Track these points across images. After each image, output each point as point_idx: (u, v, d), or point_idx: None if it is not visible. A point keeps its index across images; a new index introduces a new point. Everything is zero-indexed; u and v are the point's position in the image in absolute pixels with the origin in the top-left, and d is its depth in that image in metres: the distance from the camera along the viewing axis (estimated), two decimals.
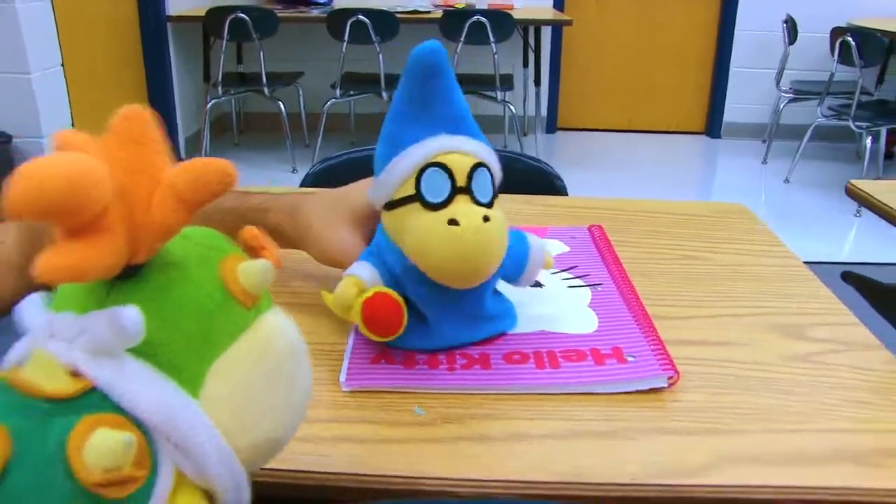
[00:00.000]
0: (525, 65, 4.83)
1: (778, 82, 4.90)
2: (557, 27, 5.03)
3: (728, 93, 5.34)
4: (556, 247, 0.86)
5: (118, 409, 0.29)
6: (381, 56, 4.03)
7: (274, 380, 0.33)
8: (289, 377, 0.34)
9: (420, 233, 0.57)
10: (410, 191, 0.58)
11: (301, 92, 4.39)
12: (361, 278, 0.61)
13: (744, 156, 5.02)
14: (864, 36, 4.06)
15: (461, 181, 0.58)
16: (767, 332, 0.69)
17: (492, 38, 4.11)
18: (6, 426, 0.27)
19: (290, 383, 0.34)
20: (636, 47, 5.30)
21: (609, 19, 5.21)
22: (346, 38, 4.01)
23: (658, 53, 5.33)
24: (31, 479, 0.27)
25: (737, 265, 0.83)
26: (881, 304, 1.10)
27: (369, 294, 0.59)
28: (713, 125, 5.41)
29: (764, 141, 5.06)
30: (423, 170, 0.58)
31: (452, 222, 0.55)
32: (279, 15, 4.10)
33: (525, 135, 5.00)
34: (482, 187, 0.59)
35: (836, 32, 4.28)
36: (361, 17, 3.99)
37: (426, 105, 0.61)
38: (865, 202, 1.08)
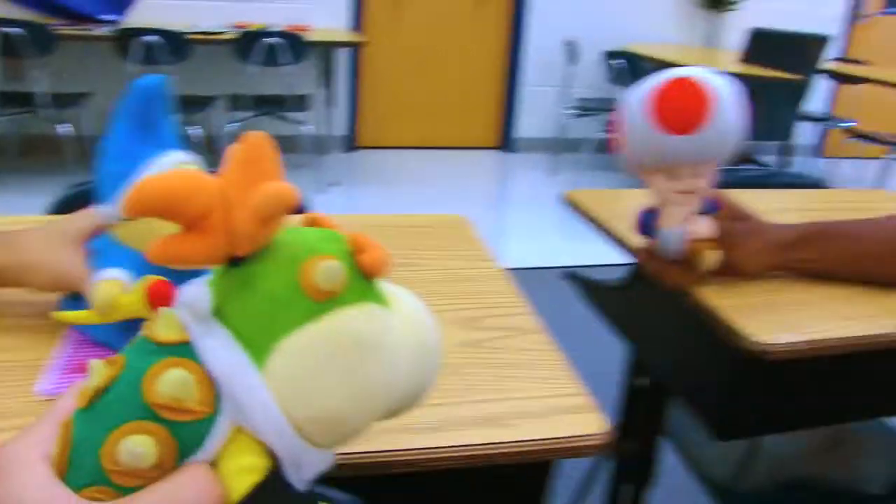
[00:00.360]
0: (322, 85, 4.91)
1: (563, 99, 5.23)
2: (354, 48, 5.15)
3: (519, 110, 5.64)
4: None
5: (200, 361, 0.37)
6: (173, 78, 4.00)
7: (329, 367, 0.39)
8: (348, 368, 0.39)
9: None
10: None
11: (89, 115, 4.27)
12: (118, 279, 0.67)
13: (535, 169, 5.32)
14: (631, 59, 4.43)
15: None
16: (451, 325, 0.80)
17: (286, 60, 4.16)
18: (125, 356, 0.38)
19: (351, 374, 0.39)
20: (431, 68, 5.50)
21: (404, 41, 5.38)
22: (135, 58, 3.95)
23: (452, 73, 5.56)
24: (123, 390, 0.37)
25: (444, 269, 0.95)
26: (591, 297, 1.27)
27: (146, 282, 0.64)
28: (507, 140, 5.69)
29: (553, 154, 5.39)
30: None
31: None
32: (60, 32, 3.94)
33: (324, 154, 5.08)
34: None
35: (609, 55, 4.64)
36: (152, 37, 3.94)
37: (152, 128, 0.68)
38: (581, 211, 1.23)
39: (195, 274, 0.68)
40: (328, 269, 0.39)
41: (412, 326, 0.44)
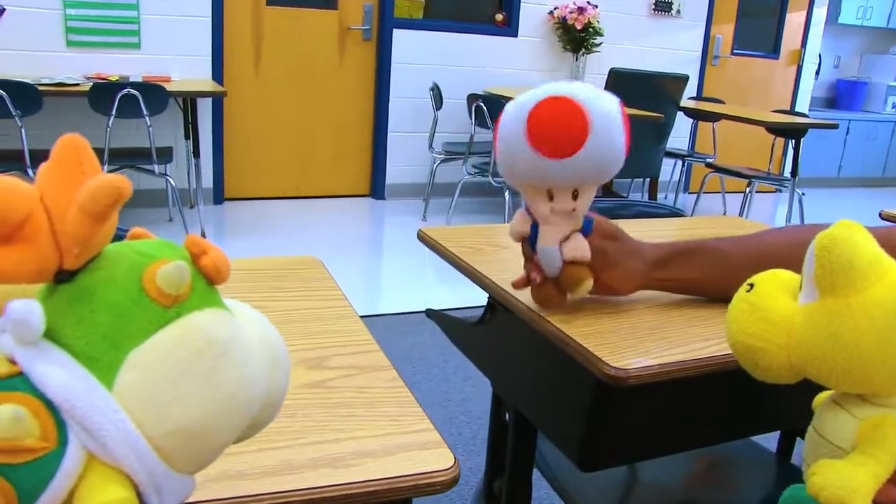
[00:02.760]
0: (186, 136, 4.80)
1: (430, 144, 5.28)
2: (218, 98, 5.06)
3: (388, 156, 5.66)
4: None
5: (36, 390, 0.33)
6: (23, 131, 3.82)
7: (186, 372, 0.36)
8: (206, 371, 0.36)
9: None
10: None
11: None
12: None
13: (406, 213, 5.34)
14: (492, 101, 4.52)
15: None
16: (296, 365, 0.77)
17: (145, 112, 4.04)
18: None
19: (208, 377, 0.37)
20: (298, 116, 5.47)
21: (268, 91, 5.33)
22: None
23: (319, 122, 5.54)
24: None
25: (291, 310, 0.91)
26: (453, 334, 1.25)
27: None
28: (377, 187, 5.70)
29: (424, 199, 5.42)
30: None
31: None
32: None
33: (191, 207, 4.95)
34: None
35: (471, 98, 4.72)
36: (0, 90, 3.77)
37: None
38: (434, 248, 1.22)
39: None
40: (173, 271, 0.37)
41: (260, 332, 0.44)
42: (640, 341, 0.88)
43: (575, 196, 0.85)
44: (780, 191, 6.54)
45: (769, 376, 0.62)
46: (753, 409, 1.04)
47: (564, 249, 0.87)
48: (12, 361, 0.34)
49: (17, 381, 0.34)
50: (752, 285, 0.62)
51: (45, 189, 0.35)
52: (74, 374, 0.34)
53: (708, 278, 0.95)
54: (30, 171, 3.88)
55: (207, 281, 0.40)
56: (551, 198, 0.85)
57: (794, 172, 5.32)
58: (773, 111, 6.06)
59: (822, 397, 0.61)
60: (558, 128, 0.79)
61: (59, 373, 0.34)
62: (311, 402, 0.70)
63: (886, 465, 0.53)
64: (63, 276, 0.36)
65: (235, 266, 1.00)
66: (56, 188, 0.35)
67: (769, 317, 0.59)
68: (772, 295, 0.60)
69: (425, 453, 0.63)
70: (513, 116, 0.81)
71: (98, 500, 0.34)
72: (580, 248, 0.87)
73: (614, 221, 0.95)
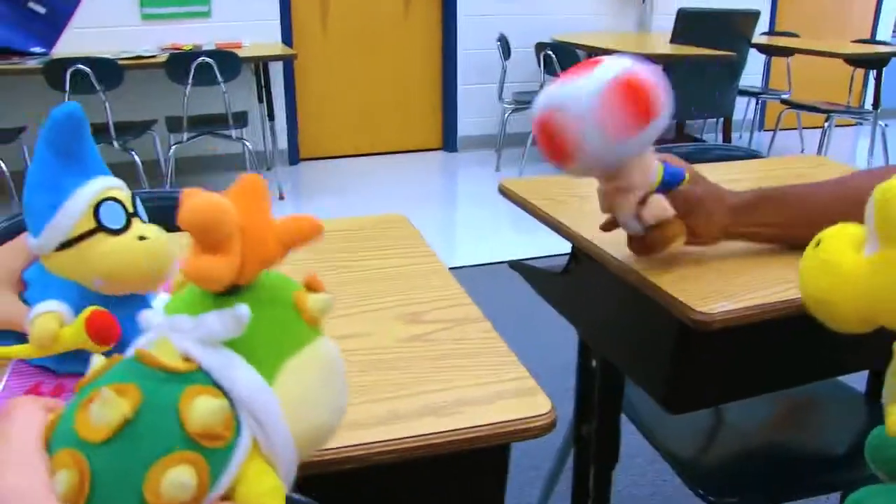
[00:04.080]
0: (259, 100, 4.89)
1: (500, 95, 5.26)
2: (288, 61, 5.13)
3: (459, 108, 5.66)
4: None
5: (216, 385, 0.38)
6: (107, 104, 3.94)
7: (326, 383, 0.43)
8: (336, 384, 0.44)
9: (117, 255, 0.65)
10: (89, 225, 0.66)
11: (25, 148, 4.20)
12: (55, 311, 0.66)
13: (479, 165, 5.35)
14: (561, 49, 4.47)
15: (130, 207, 0.68)
16: (392, 321, 0.81)
17: (220, 78, 4.13)
18: (135, 384, 0.37)
19: (337, 389, 0.44)
20: (367, 74, 5.50)
21: (337, 50, 5.37)
22: (67, 88, 3.89)
23: (388, 78, 5.57)
24: (155, 420, 0.37)
25: (385, 268, 0.95)
26: (538, 285, 1.28)
27: (86, 314, 0.64)
28: (448, 140, 5.72)
29: (496, 150, 5.42)
30: (97, 206, 0.66)
31: (142, 238, 0.66)
32: None
33: (268, 169, 5.05)
34: (142, 212, 0.69)
35: (539, 47, 4.67)
36: (82, 66, 3.88)
37: (74, 155, 0.68)
38: (516, 200, 1.25)
39: (131, 303, 0.69)
40: (321, 300, 0.43)
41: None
42: (723, 286, 0.89)
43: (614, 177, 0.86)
44: (861, 124, 6.33)
45: (843, 327, 0.63)
46: (839, 350, 1.05)
47: (645, 215, 0.88)
48: (186, 358, 0.40)
49: (201, 377, 0.39)
50: (819, 241, 0.64)
51: (243, 214, 0.41)
52: (251, 375, 0.40)
53: (790, 225, 0.95)
54: (115, 143, 4.01)
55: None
56: (614, 178, 0.87)
57: (875, 104, 5.14)
58: (852, 41, 5.84)
59: None
60: (549, 145, 0.83)
61: (243, 372, 0.40)
62: (412, 356, 0.74)
63: None
64: (232, 289, 0.42)
65: (326, 227, 1.05)
66: (247, 214, 0.41)
67: (836, 270, 0.60)
68: (838, 249, 0.61)
69: (523, 400, 0.67)
70: (585, 110, 0.80)
71: (267, 484, 0.39)
72: (659, 208, 0.88)
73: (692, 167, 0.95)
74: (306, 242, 0.43)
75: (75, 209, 0.66)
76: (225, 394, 0.39)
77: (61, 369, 0.70)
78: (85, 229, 0.66)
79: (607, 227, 0.97)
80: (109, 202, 0.67)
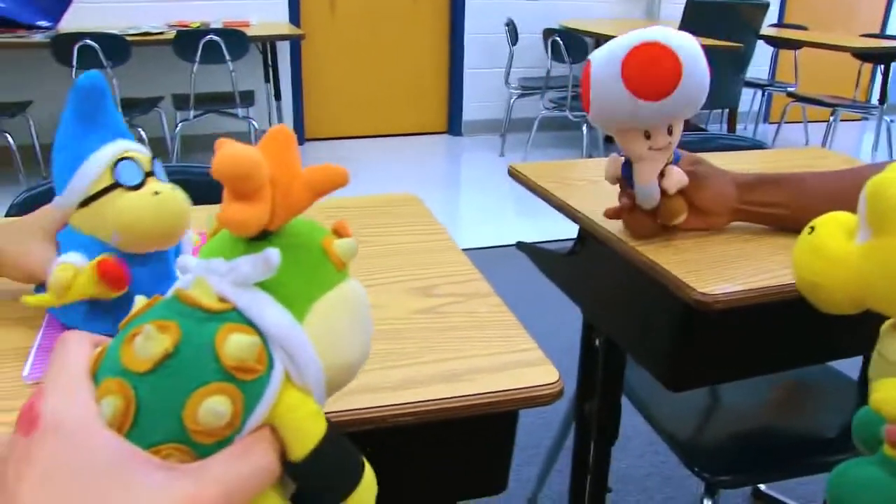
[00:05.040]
0: (266, 80, 4.90)
1: (506, 80, 5.28)
2: (296, 41, 5.14)
3: (465, 93, 5.67)
4: None
5: (249, 323, 0.41)
6: (115, 81, 3.96)
7: (352, 321, 0.46)
8: (362, 324, 0.47)
9: (132, 209, 0.69)
10: (107, 182, 0.70)
11: (31, 122, 4.22)
12: (73, 262, 0.70)
13: (484, 149, 5.37)
14: (569, 36, 4.48)
15: (147, 168, 0.72)
16: (405, 294, 0.84)
17: (227, 57, 4.14)
18: (175, 322, 0.41)
19: (364, 325, 0.47)
20: (374, 56, 5.51)
21: (345, 31, 5.38)
22: (74, 63, 3.91)
23: (395, 60, 5.58)
24: (194, 354, 0.40)
25: (397, 244, 0.98)
26: (544, 266, 1.31)
27: (95, 261, 0.69)
28: (454, 124, 5.73)
29: (500, 135, 5.43)
30: (115, 164, 0.71)
31: (156, 193, 0.69)
32: None
33: None
34: (160, 173, 0.73)
35: (547, 33, 4.69)
36: (89, 41, 3.90)
37: (96, 120, 0.72)
38: (525, 183, 1.27)
39: (152, 261, 0.72)
40: (347, 245, 0.46)
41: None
42: (725, 268, 0.92)
43: (670, 131, 0.91)
44: (867, 119, 6.34)
45: (833, 309, 0.67)
46: (835, 334, 1.08)
47: (666, 184, 0.94)
48: (222, 299, 0.42)
49: (236, 316, 0.42)
50: (813, 228, 0.67)
51: (273, 164, 0.43)
52: (283, 314, 0.43)
53: (796, 208, 0.98)
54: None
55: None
56: (648, 136, 0.91)
57: (882, 99, 5.15)
58: (861, 35, 5.85)
59: (888, 323, 0.65)
60: (656, 72, 0.86)
61: (274, 312, 0.42)
62: (425, 327, 0.77)
63: None
64: (263, 235, 0.44)
65: (339, 204, 1.07)
66: (277, 164, 0.43)
67: (829, 255, 0.64)
68: (831, 235, 0.65)
69: (532, 369, 0.69)
70: (605, 64, 0.88)
71: (305, 409, 0.42)
72: (679, 176, 0.94)
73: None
74: (333, 189, 0.45)
75: (95, 167, 0.71)
76: (258, 331, 0.41)
77: (87, 328, 0.73)
78: (103, 186, 0.71)
79: (612, 214, 1.00)
80: (127, 161, 0.71)
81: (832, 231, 0.65)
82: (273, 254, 0.42)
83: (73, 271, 0.70)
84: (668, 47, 0.85)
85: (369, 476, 0.46)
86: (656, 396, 1.51)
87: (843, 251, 0.63)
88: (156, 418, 0.39)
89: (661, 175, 0.94)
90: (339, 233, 0.48)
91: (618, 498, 2.02)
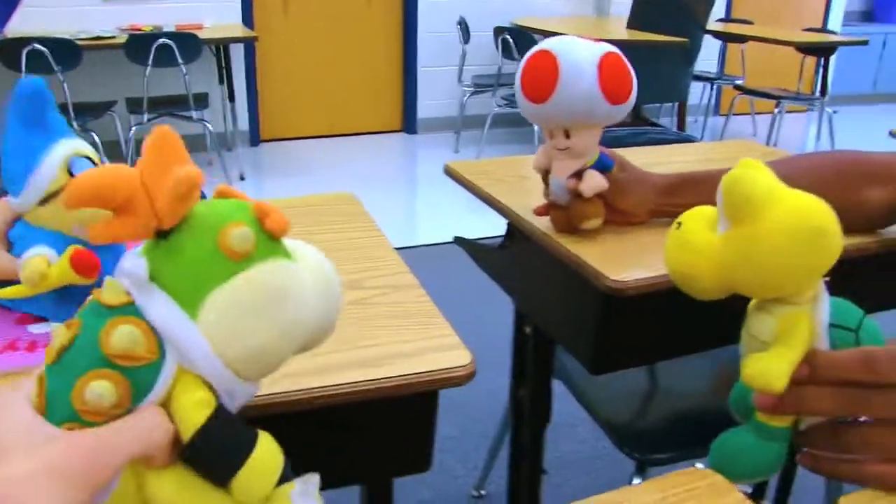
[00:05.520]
0: (220, 82, 4.91)
1: (459, 78, 5.34)
2: (249, 43, 5.15)
3: (419, 91, 5.72)
4: None
5: (144, 316, 0.46)
6: (65, 85, 3.95)
7: (249, 311, 0.47)
8: (264, 310, 0.48)
9: None
10: (64, 179, 0.75)
11: None
12: (44, 254, 0.74)
13: (438, 147, 5.43)
14: (519, 34, 4.55)
15: (99, 164, 0.77)
16: None
17: (180, 60, 4.15)
18: (80, 319, 0.46)
19: (266, 315, 0.48)
20: (327, 56, 5.54)
21: (298, 32, 5.41)
22: (23, 69, 3.89)
23: (350, 60, 5.61)
24: (83, 345, 0.45)
25: (332, 241, 1.03)
26: (479, 259, 1.37)
27: (69, 252, 0.73)
28: (408, 122, 5.79)
29: (455, 132, 5.49)
30: (69, 162, 0.75)
31: None
32: None
33: (229, 150, 5.08)
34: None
35: (498, 31, 4.76)
36: (38, 45, 3.89)
37: (42, 124, 0.77)
38: (459, 180, 1.33)
39: (110, 249, 0.78)
40: (241, 234, 0.48)
41: (316, 272, 0.54)
42: (641, 258, 0.99)
43: (567, 135, 0.97)
44: (811, 110, 6.50)
45: (705, 296, 0.73)
46: (742, 318, 1.15)
47: (581, 186, 0.99)
48: (128, 294, 0.47)
49: (131, 309, 0.47)
50: (680, 223, 0.73)
51: (144, 172, 0.47)
52: (170, 309, 0.46)
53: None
54: (74, 124, 4.02)
55: (270, 237, 0.50)
56: (551, 136, 0.98)
57: (823, 91, 5.30)
58: (804, 29, 6.00)
59: (752, 304, 0.72)
60: (535, 76, 0.94)
61: (159, 306, 0.46)
62: (350, 317, 0.82)
63: (798, 349, 0.65)
64: (162, 234, 0.48)
65: (279, 206, 1.12)
66: (152, 172, 0.47)
67: (694, 248, 0.70)
68: (696, 229, 0.71)
69: (447, 353, 0.75)
70: (519, 66, 0.95)
71: (189, 398, 0.47)
72: (596, 181, 0.99)
73: (625, 149, 1.06)
74: (190, 191, 0.46)
75: (51, 167, 0.76)
76: (149, 323, 0.47)
77: (58, 315, 0.78)
78: (61, 184, 0.76)
79: (541, 211, 1.06)
80: (80, 158, 0.77)
81: (696, 225, 0.71)
82: (134, 264, 0.47)
83: (45, 263, 0.74)
84: (553, 56, 0.92)
85: (261, 459, 0.49)
86: (595, 383, 1.58)
87: (707, 242, 0.69)
88: (56, 401, 0.45)
89: (579, 177, 1.00)
90: (260, 213, 0.49)
91: (562, 480, 2.10)
